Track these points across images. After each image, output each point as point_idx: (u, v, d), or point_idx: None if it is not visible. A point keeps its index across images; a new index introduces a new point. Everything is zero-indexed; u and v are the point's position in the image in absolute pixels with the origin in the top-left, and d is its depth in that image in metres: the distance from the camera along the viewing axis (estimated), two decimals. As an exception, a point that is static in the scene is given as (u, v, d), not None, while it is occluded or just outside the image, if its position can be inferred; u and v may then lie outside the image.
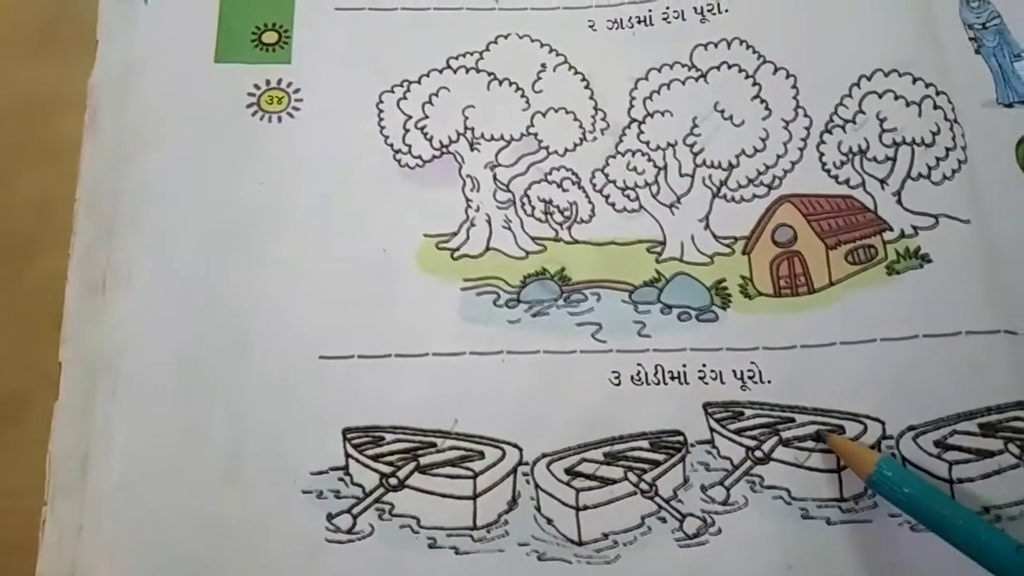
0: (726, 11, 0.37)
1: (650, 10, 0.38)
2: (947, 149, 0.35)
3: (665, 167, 0.36)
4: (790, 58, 0.36)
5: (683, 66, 0.37)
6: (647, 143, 0.36)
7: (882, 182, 0.35)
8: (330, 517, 0.30)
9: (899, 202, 0.35)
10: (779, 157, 0.35)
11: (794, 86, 0.36)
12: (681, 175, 0.36)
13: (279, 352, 0.32)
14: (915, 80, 0.36)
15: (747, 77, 0.36)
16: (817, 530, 0.31)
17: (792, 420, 0.32)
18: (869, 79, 0.36)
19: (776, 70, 0.36)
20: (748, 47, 0.37)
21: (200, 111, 0.35)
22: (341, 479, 0.31)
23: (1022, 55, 0.38)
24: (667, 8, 0.38)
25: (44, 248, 0.34)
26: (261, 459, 0.31)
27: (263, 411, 0.31)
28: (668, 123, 0.36)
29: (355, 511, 0.30)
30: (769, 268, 0.34)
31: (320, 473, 0.31)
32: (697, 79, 0.36)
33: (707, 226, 0.35)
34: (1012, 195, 0.35)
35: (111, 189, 0.34)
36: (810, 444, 0.32)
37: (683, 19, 0.37)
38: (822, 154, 0.35)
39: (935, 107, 0.35)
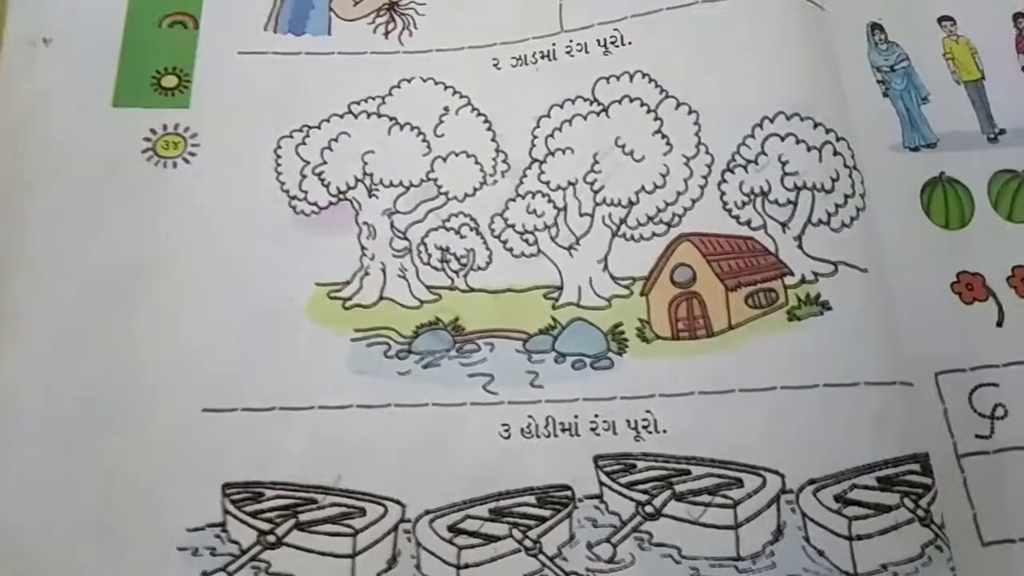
0: (629, 43, 0.36)
1: (554, 44, 0.37)
2: (846, 196, 0.34)
3: (565, 207, 0.35)
4: (693, 94, 0.35)
5: (585, 100, 0.36)
6: (547, 183, 0.35)
7: (783, 225, 0.34)
8: (204, 575, 0.30)
9: (800, 246, 0.34)
10: (679, 194, 0.35)
11: (696, 122, 0.35)
12: (581, 214, 0.35)
13: (161, 405, 0.32)
14: (816, 125, 0.35)
15: (648, 111, 0.35)
16: (709, 590, 0.30)
17: (688, 472, 0.31)
18: (772, 121, 0.35)
19: (678, 105, 0.35)
20: (651, 81, 0.36)
21: (95, 155, 0.35)
22: (218, 536, 0.30)
23: (929, 98, 0.38)
24: (571, 41, 0.37)
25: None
26: (135, 514, 0.30)
27: (140, 465, 0.31)
28: (569, 161, 0.35)
29: (231, 569, 0.30)
30: (667, 310, 0.33)
31: (197, 529, 0.30)
32: (599, 113, 0.36)
33: (605, 267, 0.34)
34: (914, 242, 0.34)
35: (1, 232, 0.34)
36: (706, 498, 0.31)
37: (586, 52, 0.37)
38: (723, 193, 0.35)
39: (835, 153, 0.34)
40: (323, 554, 0.30)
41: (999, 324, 0.34)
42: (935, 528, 0.30)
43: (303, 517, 0.31)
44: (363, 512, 0.31)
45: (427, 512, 0.31)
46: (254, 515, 0.31)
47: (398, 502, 0.31)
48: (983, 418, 0.33)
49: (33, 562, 0.30)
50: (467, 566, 0.30)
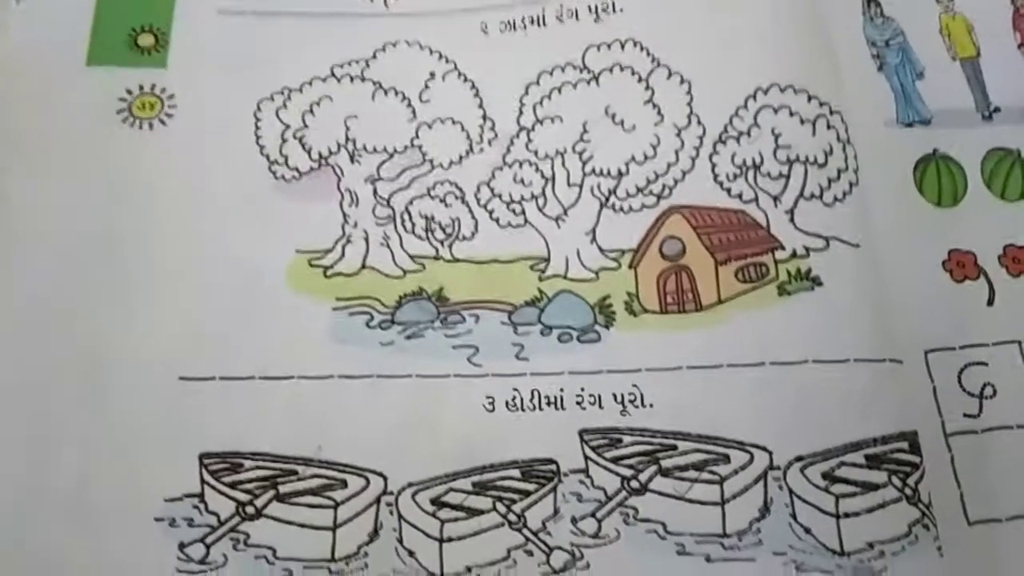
0: (621, 10, 0.35)
1: (543, 9, 0.36)
2: (839, 170, 0.33)
3: (553, 177, 0.34)
4: (685, 64, 0.35)
5: (575, 68, 0.35)
6: (535, 152, 0.34)
7: (775, 199, 0.33)
8: (182, 546, 0.29)
9: (792, 220, 0.33)
10: (670, 165, 0.34)
11: (688, 92, 0.34)
12: (569, 185, 0.34)
13: (136, 373, 0.31)
14: (810, 98, 0.34)
15: (640, 80, 0.35)
16: (694, 567, 0.29)
17: (674, 448, 0.31)
18: (765, 93, 0.34)
19: (670, 75, 0.35)
20: (642, 49, 0.35)
21: (68, 116, 0.34)
22: (196, 507, 0.30)
23: (924, 74, 0.37)
24: (561, 7, 0.36)
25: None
26: (112, 484, 0.30)
27: (116, 435, 0.30)
28: (558, 130, 0.34)
29: (208, 540, 0.29)
30: (656, 283, 0.33)
31: (174, 500, 0.30)
32: (589, 82, 0.35)
33: (593, 239, 0.33)
34: (905, 218, 0.33)
35: None
36: (692, 474, 0.31)
37: (576, 18, 0.36)
38: (715, 165, 0.34)
39: (828, 127, 0.34)
40: (303, 526, 0.29)
41: (990, 303, 0.33)
42: (922, 507, 0.30)
43: (283, 488, 0.30)
44: (344, 484, 0.30)
45: (410, 485, 0.30)
46: (233, 486, 0.30)
47: (380, 474, 0.30)
48: (972, 397, 0.32)
49: (6, 535, 0.29)
50: (450, 539, 0.29)
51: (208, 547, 0.29)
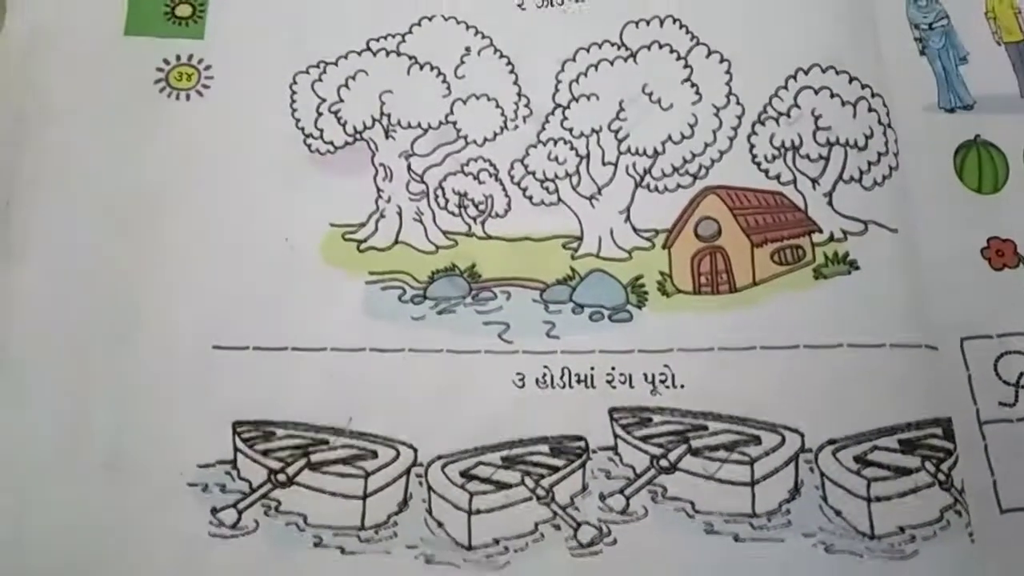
0: None
1: None
2: (879, 154, 0.33)
3: (588, 155, 0.34)
4: (725, 42, 0.34)
5: (612, 45, 0.35)
6: (570, 130, 0.34)
7: (814, 181, 0.33)
8: (214, 511, 0.30)
9: (830, 203, 0.33)
10: (707, 145, 0.34)
11: (728, 71, 0.34)
12: (604, 164, 0.34)
13: (171, 340, 0.31)
14: (852, 79, 0.33)
15: (678, 59, 0.34)
16: (721, 546, 0.29)
17: (704, 428, 0.31)
18: (806, 73, 0.34)
19: (710, 53, 0.34)
20: (681, 26, 0.35)
21: (106, 85, 0.34)
22: (228, 473, 0.30)
23: (967, 58, 0.36)
24: (600, -18, 0.36)
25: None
26: (145, 449, 0.30)
27: (151, 399, 0.31)
28: (594, 107, 0.34)
29: (240, 506, 0.30)
30: (690, 264, 0.33)
31: (207, 466, 0.30)
32: (626, 59, 0.35)
33: (627, 218, 0.33)
34: (944, 204, 0.33)
35: (10, 163, 0.33)
36: (722, 454, 0.31)
37: None
38: (753, 145, 0.33)
39: (870, 109, 0.33)
40: (334, 495, 0.30)
41: (1029, 291, 0.34)
42: (955, 493, 0.29)
43: (314, 457, 0.30)
44: (375, 455, 0.30)
45: (439, 457, 0.30)
46: (265, 453, 0.30)
47: (410, 446, 0.30)
48: (1008, 386, 0.32)
49: (36, 495, 0.30)
50: (478, 512, 0.30)
51: (240, 513, 0.30)
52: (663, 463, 0.30)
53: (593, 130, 0.34)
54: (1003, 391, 0.32)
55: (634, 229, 0.33)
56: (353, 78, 0.35)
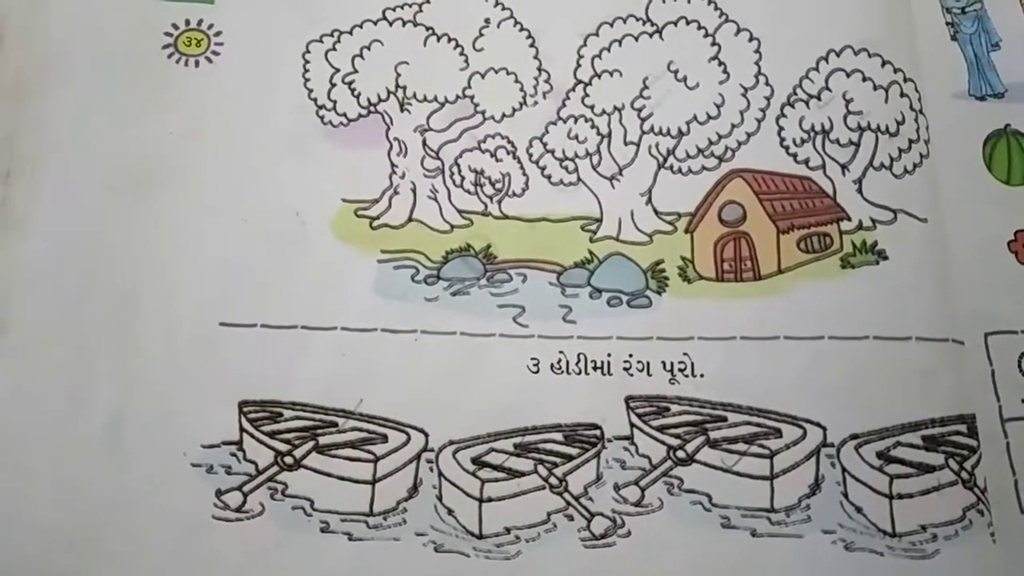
0: None
1: None
2: (910, 141, 0.32)
3: (609, 134, 0.33)
4: (755, 20, 0.33)
5: (637, 20, 0.34)
6: (591, 107, 0.33)
7: (844, 167, 0.32)
8: (219, 493, 0.29)
9: (859, 191, 0.32)
10: (734, 127, 0.32)
11: (757, 51, 0.33)
12: (626, 143, 0.33)
13: (176, 315, 0.30)
14: (884, 63, 0.32)
15: (706, 36, 0.33)
16: (738, 541, 0.29)
17: (723, 419, 0.30)
18: (838, 55, 0.33)
19: (739, 31, 0.33)
20: (709, 2, 0.33)
21: (112, 49, 0.33)
22: (233, 454, 0.29)
23: (1000, 44, 0.35)
24: (625, -46, 0.35)
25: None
26: (148, 427, 0.29)
27: (154, 376, 0.30)
28: (616, 84, 0.33)
29: (246, 488, 0.29)
30: (713, 249, 0.32)
31: (212, 446, 0.29)
32: (651, 35, 0.33)
33: (649, 200, 0.32)
34: (972, 195, 0.32)
35: (11, 128, 0.32)
36: (741, 447, 0.30)
37: None
38: (781, 128, 0.32)
39: (902, 94, 0.32)
40: (342, 479, 0.29)
41: (1057, 287, 0.33)
42: (978, 492, 0.29)
43: (323, 440, 0.29)
44: (385, 438, 0.30)
45: (451, 442, 0.30)
46: (272, 435, 0.29)
47: (421, 430, 0.30)
48: (1032, 383, 0.32)
49: (37, 471, 0.29)
50: (490, 499, 0.29)
51: (245, 495, 0.29)
52: (680, 454, 0.30)
53: (615, 108, 0.33)
54: (1027, 388, 0.32)
55: (656, 212, 0.32)
56: (368, 48, 0.33)
